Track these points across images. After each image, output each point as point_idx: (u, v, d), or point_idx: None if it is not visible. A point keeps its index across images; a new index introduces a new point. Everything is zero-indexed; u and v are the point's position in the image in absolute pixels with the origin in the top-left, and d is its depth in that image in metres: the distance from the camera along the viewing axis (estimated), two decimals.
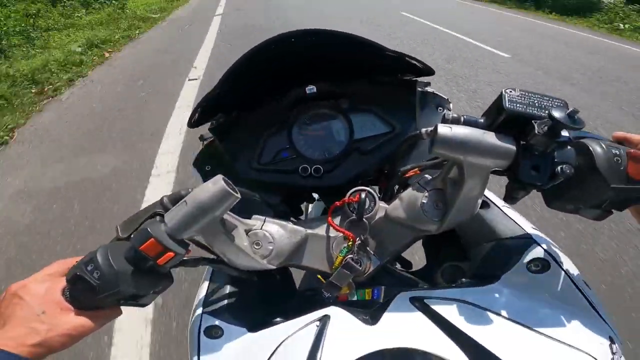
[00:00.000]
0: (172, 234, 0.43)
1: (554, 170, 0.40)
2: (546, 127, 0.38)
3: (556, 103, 0.41)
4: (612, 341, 0.43)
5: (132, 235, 0.45)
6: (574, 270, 0.49)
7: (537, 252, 0.49)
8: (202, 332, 0.52)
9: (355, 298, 0.50)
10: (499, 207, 0.58)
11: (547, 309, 0.44)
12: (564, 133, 0.38)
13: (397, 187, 0.63)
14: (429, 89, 0.68)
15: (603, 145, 0.39)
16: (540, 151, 0.39)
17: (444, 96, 0.68)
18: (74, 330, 0.41)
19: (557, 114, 0.37)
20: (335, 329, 0.45)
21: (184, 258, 0.46)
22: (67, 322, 0.41)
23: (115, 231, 0.46)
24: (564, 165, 0.39)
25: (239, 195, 0.44)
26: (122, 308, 0.46)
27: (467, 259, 0.57)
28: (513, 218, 0.56)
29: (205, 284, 0.60)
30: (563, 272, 0.47)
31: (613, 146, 0.39)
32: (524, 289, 0.46)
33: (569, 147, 0.40)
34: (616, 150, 0.39)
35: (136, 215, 0.47)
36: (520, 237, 0.52)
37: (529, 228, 0.54)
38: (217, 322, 0.52)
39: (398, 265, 0.69)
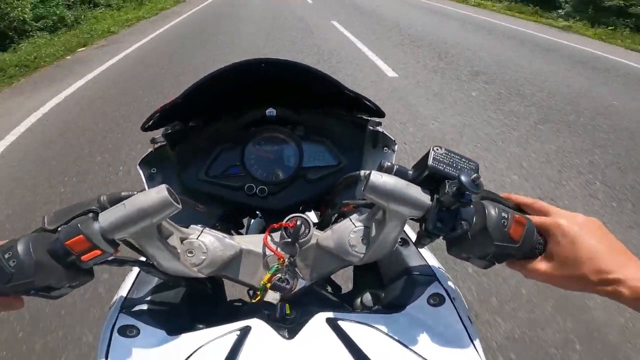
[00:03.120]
0: (104, 233, 0.44)
1: (455, 224, 0.47)
2: (455, 188, 0.45)
3: (470, 165, 0.48)
4: None
5: (59, 229, 0.45)
6: (463, 307, 0.56)
7: (436, 288, 0.57)
8: (115, 330, 0.52)
9: (283, 312, 0.53)
10: (415, 246, 0.65)
11: (437, 339, 0.50)
12: (468, 194, 0.45)
13: (334, 216, 0.68)
14: (380, 128, 0.74)
15: (496, 209, 0.46)
16: (447, 207, 0.46)
17: (391, 137, 0.74)
18: None
19: (464, 178, 0.43)
20: (254, 340, 0.47)
21: (111, 257, 0.47)
22: None
23: (42, 221, 0.47)
24: (464, 222, 0.46)
25: (179, 206, 0.46)
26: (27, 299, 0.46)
27: (384, 288, 0.63)
28: (424, 256, 0.64)
29: (127, 285, 0.60)
30: (454, 308, 0.55)
31: (504, 210, 0.47)
32: (422, 320, 0.53)
33: (471, 206, 0.48)
34: (505, 214, 0.46)
35: (67, 209, 0.47)
36: (426, 274, 0.59)
37: (435, 266, 0.62)
38: (133, 322, 0.52)
39: (329, 288, 0.74)
